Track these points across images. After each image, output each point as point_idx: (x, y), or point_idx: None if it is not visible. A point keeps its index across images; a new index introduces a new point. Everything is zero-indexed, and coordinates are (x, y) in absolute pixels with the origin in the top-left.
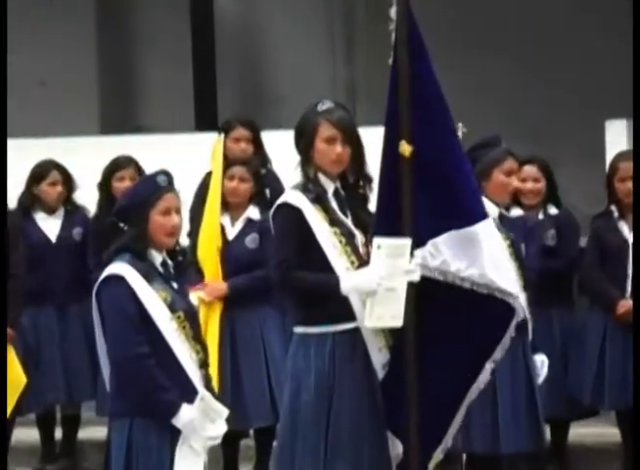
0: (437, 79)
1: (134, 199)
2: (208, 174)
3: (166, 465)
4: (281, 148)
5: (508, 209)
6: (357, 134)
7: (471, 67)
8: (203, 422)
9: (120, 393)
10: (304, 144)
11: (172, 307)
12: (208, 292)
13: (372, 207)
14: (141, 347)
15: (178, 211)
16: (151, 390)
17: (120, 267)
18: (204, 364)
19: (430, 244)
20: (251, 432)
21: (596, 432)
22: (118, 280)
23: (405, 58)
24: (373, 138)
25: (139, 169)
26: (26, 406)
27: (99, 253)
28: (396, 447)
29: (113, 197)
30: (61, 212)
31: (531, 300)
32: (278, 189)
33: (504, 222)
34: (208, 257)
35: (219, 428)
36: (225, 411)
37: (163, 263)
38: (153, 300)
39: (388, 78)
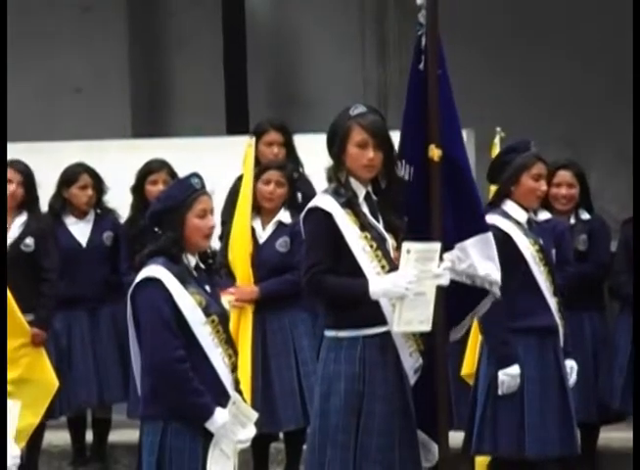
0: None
1: (169, 202)
2: (240, 178)
3: (198, 469)
4: (312, 151)
5: (535, 213)
6: (389, 139)
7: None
8: (233, 426)
9: (154, 396)
10: (336, 148)
11: (207, 311)
12: (239, 295)
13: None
14: (177, 350)
15: (212, 213)
16: (186, 393)
17: (156, 270)
18: (235, 368)
19: (457, 247)
20: (281, 435)
21: (626, 436)
22: (155, 283)
23: (435, 62)
24: None
25: (172, 173)
26: (58, 409)
27: (132, 256)
28: (433, 450)
29: (146, 200)
30: (91, 216)
31: (562, 305)
32: (310, 193)
33: (532, 227)
34: (240, 260)
35: (249, 431)
36: (255, 415)
37: (196, 267)
38: (188, 303)
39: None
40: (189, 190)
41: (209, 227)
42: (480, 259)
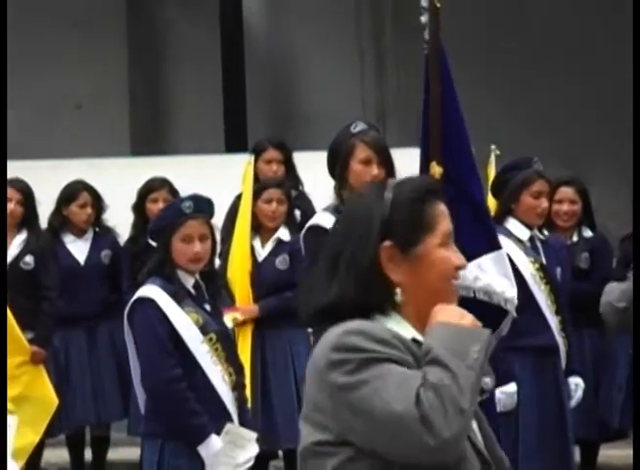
0: (459, 101)
1: (159, 224)
2: (239, 196)
3: None
4: (311, 169)
5: (540, 230)
6: (390, 156)
7: (500, 87)
8: (232, 451)
9: (153, 414)
10: (339, 166)
11: (204, 329)
12: (240, 314)
13: None
14: (172, 370)
15: (203, 238)
16: (181, 414)
17: (150, 290)
18: (237, 386)
19: (473, 264)
20: (280, 453)
21: (626, 454)
22: (148, 302)
23: (438, 79)
24: (402, 159)
25: (173, 191)
26: (58, 427)
27: (133, 274)
28: None
29: (147, 218)
30: (89, 235)
31: (564, 323)
32: (309, 211)
33: (534, 245)
34: (239, 279)
35: (250, 452)
36: (254, 435)
37: (196, 286)
38: (184, 321)
39: (421, 99)
40: (177, 214)
41: (194, 252)
42: (496, 276)
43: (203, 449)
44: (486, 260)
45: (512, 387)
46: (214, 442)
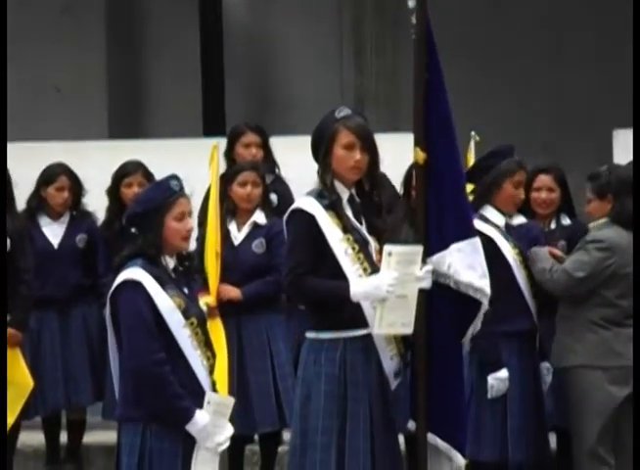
0: (447, 89)
1: (149, 204)
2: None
3: None
4: (288, 153)
5: (511, 217)
6: (374, 141)
7: (478, 75)
8: (218, 420)
9: (134, 398)
10: (322, 151)
11: (186, 313)
12: (223, 294)
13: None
14: (158, 353)
15: (190, 215)
16: (166, 397)
17: (136, 272)
18: (212, 370)
19: (446, 252)
20: (256, 437)
21: None
22: (135, 285)
23: (423, 66)
24: (380, 145)
25: (147, 175)
26: (33, 410)
27: (109, 258)
28: (455, 459)
29: (121, 202)
30: (66, 218)
31: (540, 309)
32: (286, 194)
33: (510, 231)
34: (209, 262)
35: (227, 431)
36: (232, 400)
37: (175, 269)
38: (168, 305)
39: (405, 86)
40: (168, 192)
41: (188, 230)
42: (462, 266)
43: (192, 427)
44: (462, 247)
45: (504, 373)
46: (201, 416)
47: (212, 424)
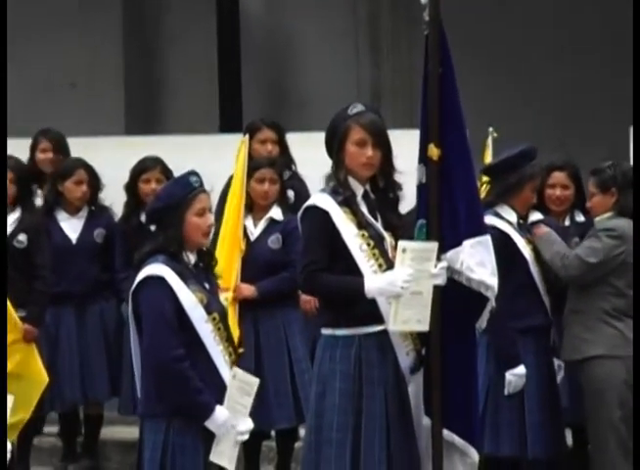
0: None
1: (170, 200)
2: (232, 177)
3: (201, 465)
4: (304, 150)
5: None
6: (387, 138)
7: (484, 73)
8: (240, 397)
9: (157, 394)
10: (335, 147)
11: (208, 309)
12: (238, 293)
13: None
14: (177, 349)
15: (211, 211)
16: (186, 392)
17: (159, 268)
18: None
19: (454, 251)
20: (273, 433)
21: None
22: (158, 281)
23: (436, 61)
24: (396, 141)
25: (165, 171)
26: (49, 405)
27: (126, 253)
28: (472, 455)
29: (139, 198)
30: (84, 213)
31: (554, 305)
32: (302, 191)
33: (522, 229)
34: (228, 259)
35: (248, 423)
36: (257, 381)
37: (195, 265)
38: (191, 301)
39: (420, 81)
40: (188, 188)
41: (208, 225)
42: (474, 264)
43: (211, 423)
44: (473, 244)
45: (522, 369)
46: (221, 412)
47: (234, 400)
